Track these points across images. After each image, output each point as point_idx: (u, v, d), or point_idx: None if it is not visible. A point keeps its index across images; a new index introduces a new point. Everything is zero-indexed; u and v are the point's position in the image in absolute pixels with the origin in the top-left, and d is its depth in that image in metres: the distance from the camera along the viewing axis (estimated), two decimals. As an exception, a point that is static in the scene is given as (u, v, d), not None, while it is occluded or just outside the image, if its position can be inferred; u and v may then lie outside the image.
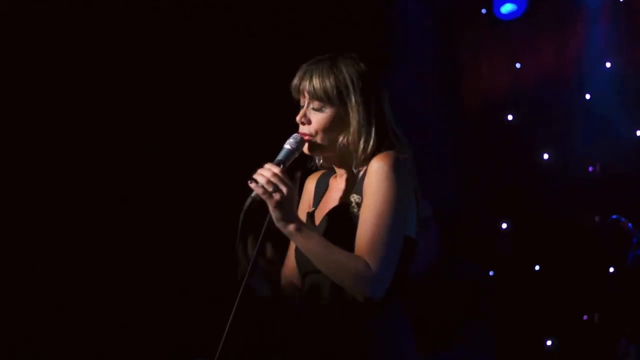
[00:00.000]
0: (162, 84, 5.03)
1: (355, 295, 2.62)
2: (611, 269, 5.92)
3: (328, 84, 2.78)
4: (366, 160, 2.77)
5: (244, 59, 5.21)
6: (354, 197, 2.76)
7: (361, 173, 2.79)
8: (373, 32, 5.69)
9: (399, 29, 6.03)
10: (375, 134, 2.77)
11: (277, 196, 2.60)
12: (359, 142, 2.78)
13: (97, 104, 4.91)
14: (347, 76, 2.79)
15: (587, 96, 6.14)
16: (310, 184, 3.04)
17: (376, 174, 2.68)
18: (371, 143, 2.77)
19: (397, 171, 2.68)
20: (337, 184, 2.91)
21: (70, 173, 4.82)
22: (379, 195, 2.66)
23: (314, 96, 2.79)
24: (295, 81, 2.84)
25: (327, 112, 2.79)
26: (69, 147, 4.84)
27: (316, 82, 2.79)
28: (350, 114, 2.78)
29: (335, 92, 2.77)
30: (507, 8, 6.23)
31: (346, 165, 2.86)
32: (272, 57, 5.15)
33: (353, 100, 2.78)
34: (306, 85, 2.80)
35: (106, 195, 4.92)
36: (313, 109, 2.81)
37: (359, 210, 2.71)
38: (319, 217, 2.88)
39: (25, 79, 4.71)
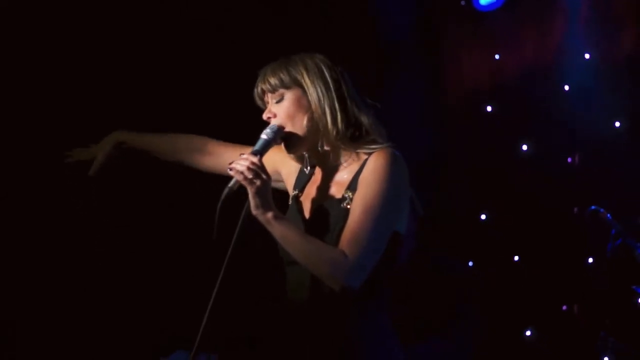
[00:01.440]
0: (146, 81, 5.02)
1: (331, 284, 2.63)
2: (590, 260, 5.94)
3: (281, 73, 2.86)
4: (345, 139, 2.82)
5: (223, 58, 5.21)
6: (348, 194, 2.78)
7: (356, 168, 2.81)
8: (354, 27, 5.69)
9: (380, 21, 6.03)
10: (340, 108, 2.83)
11: (258, 182, 2.63)
12: (324, 115, 2.83)
13: (84, 102, 4.90)
14: (300, 63, 2.87)
15: (566, 87, 6.15)
16: (294, 163, 3.05)
17: (373, 170, 2.72)
18: (338, 115, 2.82)
19: (394, 168, 2.72)
20: (325, 174, 2.92)
21: (63, 171, 4.81)
22: (371, 189, 2.70)
23: (271, 90, 2.87)
24: (255, 89, 2.93)
25: (287, 98, 2.86)
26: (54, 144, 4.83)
27: (271, 77, 2.87)
28: (308, 92, 2.84)
29: (289, 78, 2.85)
30: (486, -1, 6.25)
31: (328, 159, 2.88)
32: (245, 55, 5.17)
33: (307, 79, 2.85)
34: (263, 85, 2.89)
35: (89, 189, 4.92)
36: (276, 102, 2.87)
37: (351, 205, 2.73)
38: (306, 206, 2.89)
39: (23, 79, 4.71)
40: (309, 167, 2.95)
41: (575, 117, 6.02)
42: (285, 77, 2.84)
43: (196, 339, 2.66)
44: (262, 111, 2.94)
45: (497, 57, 6.32)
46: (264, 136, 2.78)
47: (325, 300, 2.70)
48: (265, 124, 2.86)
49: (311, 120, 2.83)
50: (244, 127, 3.06)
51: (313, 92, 2.83)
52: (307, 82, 2.84)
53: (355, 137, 2.84)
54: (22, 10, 4.69)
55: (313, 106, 2.83)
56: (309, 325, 2.75)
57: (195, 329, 2.68)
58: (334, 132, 2.82)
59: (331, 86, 2.84)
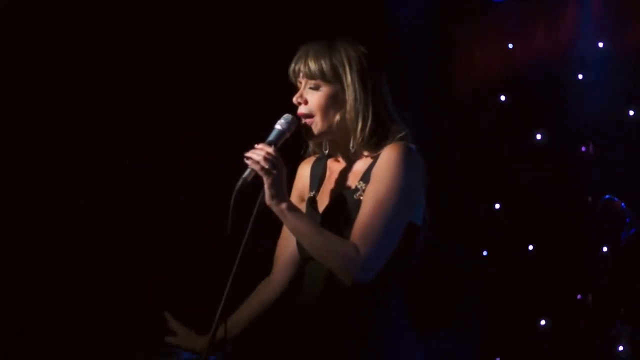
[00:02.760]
0: (151, 74, 5.02)
1: (342, 277, 2.62)
2: (604, 249, 5.93)
3: (324, 63, 2.78)
4: (369, 145, 2.78)
5: (233, 52, 5.21)
6: (361, 185, 2.76)
7: (370, 160, 2.79)
8: (364, 17, 5.68)
9: (391, 12, 6.02)
10: (373, 114, 2.77)
11: (274, 172, 2.62)
12: (356, 120, 2.77)
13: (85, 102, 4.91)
14: (343, 55, 2.80)
15: (580, 76, 6.13)
16: (305, 170, 3.03)
17: (386, 163, 2.69)
18: (369, 122, 2.77)
19: (407, 161, 2.68)
20: (339, 168, 2.90)
21: (63, 171, 4.82)
22: (383, 182, 2.66)
23: (310, 76, 2.80)
24: (292, 65, 2.84)
25: (324, 90, 2.79)
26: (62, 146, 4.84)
27: (312, 62, 2.79)
28: (347, 92, 2.78)
29: (331, 70, 2.78)
30: (499, -11, 6.23)
31: (346, 149, 2.85)
32: (256, 48, 5.17)
33: (349, 78, 2.78)
34: (302, 66, 2.81)
35: (95, 189, 4.93)
36: (310, 88, 2.81)
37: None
38: (322, 202, 2.87)
39: (24, 79, 4.72)
40: (326, 151, 2.93)
41: (589, 106, 6.00)
42: (327, 69, 2.78)
43: (210, 334, 2.66)
44: (261, 111, 2.92)
45: (510, 46, 6.31)
46: (278, 127, 2.75)
47: (340, 294, 2.69)
48: (282, 112, 2.83)
49: (342, 119, 2.79)
50: (245, 126, 3.05)
51: (352, 92, 2.78)
52: (348, 81, 2.78)
53: (377, 141, 2.79)
54: (22, 10, 4.69)
55: (348, 107, 2.78)
56: (324, 320, 2.74)
57: (209, 323, 2.68)
58: (360, 138, 2.78)
59: (369, 88, 2.78)
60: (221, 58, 5.19)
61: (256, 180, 2.67)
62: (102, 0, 4.89)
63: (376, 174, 2.70)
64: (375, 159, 2.76)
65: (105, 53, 4.90)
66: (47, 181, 4.75)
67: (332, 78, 2.78)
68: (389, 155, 2.70)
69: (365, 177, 2.75)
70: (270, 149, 2.65)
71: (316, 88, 2.80)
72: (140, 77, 4.96)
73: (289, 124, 2.77)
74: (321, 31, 5.00)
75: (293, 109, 2.86)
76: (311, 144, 2.95)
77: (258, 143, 2.68)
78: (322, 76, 2.78)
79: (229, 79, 5.16)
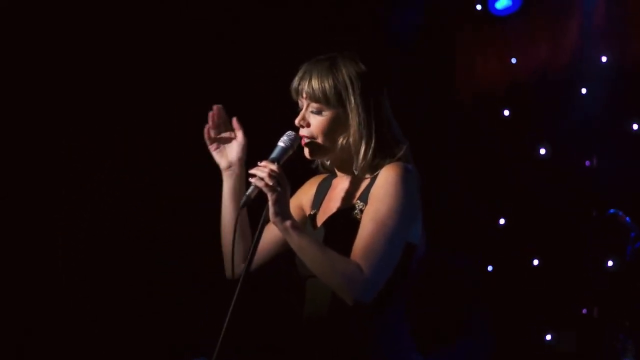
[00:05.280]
0: (152, 74, 5.03)
1: (343, 296, 2.61)
2: (609, 263, 5.93)
3: (327, 85, 2.76)
4: (370, 166, 2.78)
5: (235, 59, 5.22)
6: (359, 204, 2.76)
7: (368, 180, 2.79)
8: (367, 29, 5.69)
9: (394, 25, 6.03)
10: (376, 135, 2.77)
11: (278, 189, 2.62)
12: (360, 144, 2.77)
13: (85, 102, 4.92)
14: (346, 77, 2.77)
15: (583, 90, 6.14)
16: (311, 188, 3.03)
17: (384, 183, 2.68)
18: (372, 145, 2.76)
19: (405, 181, 2.68)
20: (340, 186, 2.90)
21: (63, 171, 4.83)
22: (383, 202, 2.66)
23: (312, 98, 2.78)
24: (294, 83, 2.83)
25: (326, 115, 2.78)
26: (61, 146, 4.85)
27: (315, 84, 2.77)
28: (350, 116, 2.77)
29: (333, 93, 2.76)
30: (502, 4, 6.24)
31: (349, 168, 2.85)
32: (256, 48, 5.18)
33: (352, 102, 2.76)
34: (305, 86, 2.79)
35: (101, 192, 4.93)
36: (312, 112, 2.80)
37: (361, 216, 2.71)
38: (321, 219, 2.88)
39: (24, 79, 4.73)
40: (328, 162, 2.92)
41: (592, 120, 6.01)
42: (330, 92, 2.75)
43: (216, 348, 2.66)
44: (261, 112, 2.91)
45: (513, 61, 6.32)
46: (281, 144, 2.75)
47: (342, 313, 2.69)
48: (281, 112, 2.82)
49: (346, 142, 2.78)
50: (245, 126, 3.04)
51: (355, 116, 2.76)
52: (351, 104, 2.76)
53: (378, 162, 2.78)
54: (22, 10, 4.71)
55: (351, 130, 2.77)
56: (326, 337, 2.74)
57: (215, 337, 2.68)
58: (364, 161, 2.78)
59: (372, 109, 2.77)
60: (221, 58, 5.19)
61: (260, 197, 2.68)
62: (102, 0, 4.90)
63: (375, 194, 2.70)
64: (373, 179, 2.76)
65: (105, 53, 4.90)
66: (47, 181, 4.75)
67: (335, 102, 2.76)
68: (387, 176, 2.70)
69: (364, 196, 2.75)
70: (274, 166, 2.65)
71: (319, 112, 2.78)
72: (140, 77, 4.97)
73: (292, 141, 2.76)
74: (322, 37, 5.06)
75: (292, 110, 2.86)
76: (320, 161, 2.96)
77: (261, 160, 2.69)
78: (325, 100, 2.76)
79: (228, 79, 5.16)
